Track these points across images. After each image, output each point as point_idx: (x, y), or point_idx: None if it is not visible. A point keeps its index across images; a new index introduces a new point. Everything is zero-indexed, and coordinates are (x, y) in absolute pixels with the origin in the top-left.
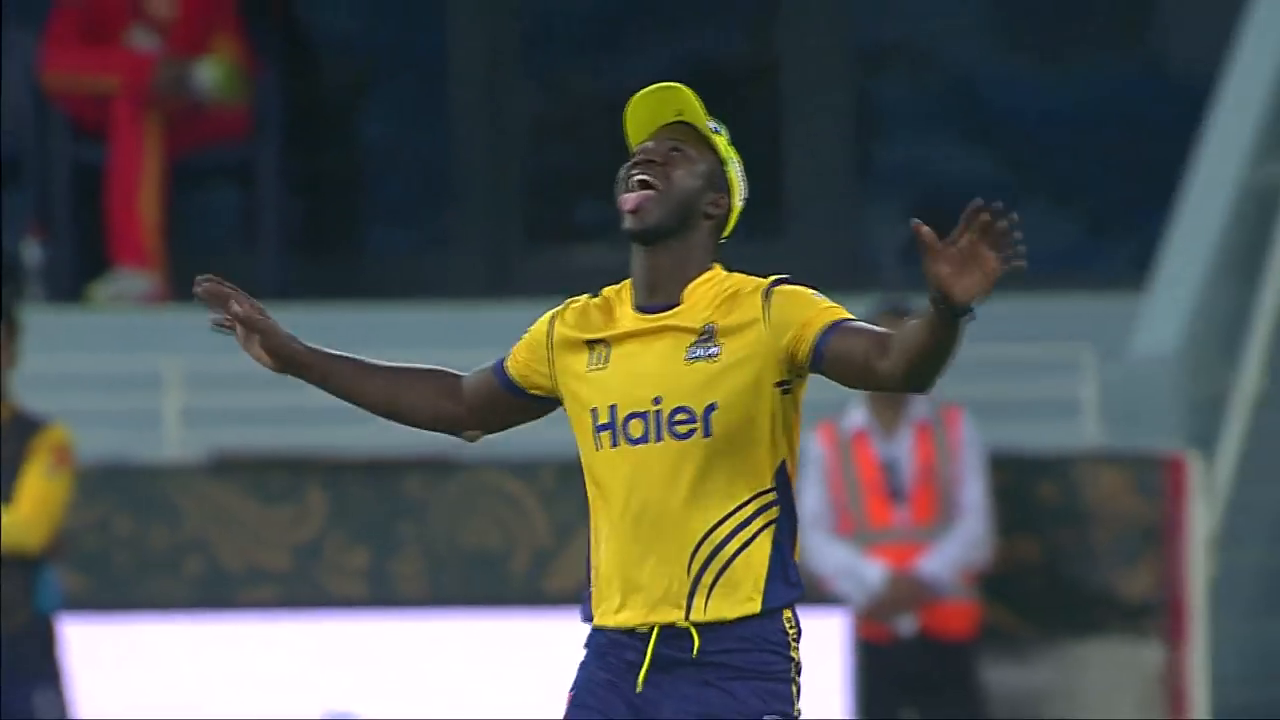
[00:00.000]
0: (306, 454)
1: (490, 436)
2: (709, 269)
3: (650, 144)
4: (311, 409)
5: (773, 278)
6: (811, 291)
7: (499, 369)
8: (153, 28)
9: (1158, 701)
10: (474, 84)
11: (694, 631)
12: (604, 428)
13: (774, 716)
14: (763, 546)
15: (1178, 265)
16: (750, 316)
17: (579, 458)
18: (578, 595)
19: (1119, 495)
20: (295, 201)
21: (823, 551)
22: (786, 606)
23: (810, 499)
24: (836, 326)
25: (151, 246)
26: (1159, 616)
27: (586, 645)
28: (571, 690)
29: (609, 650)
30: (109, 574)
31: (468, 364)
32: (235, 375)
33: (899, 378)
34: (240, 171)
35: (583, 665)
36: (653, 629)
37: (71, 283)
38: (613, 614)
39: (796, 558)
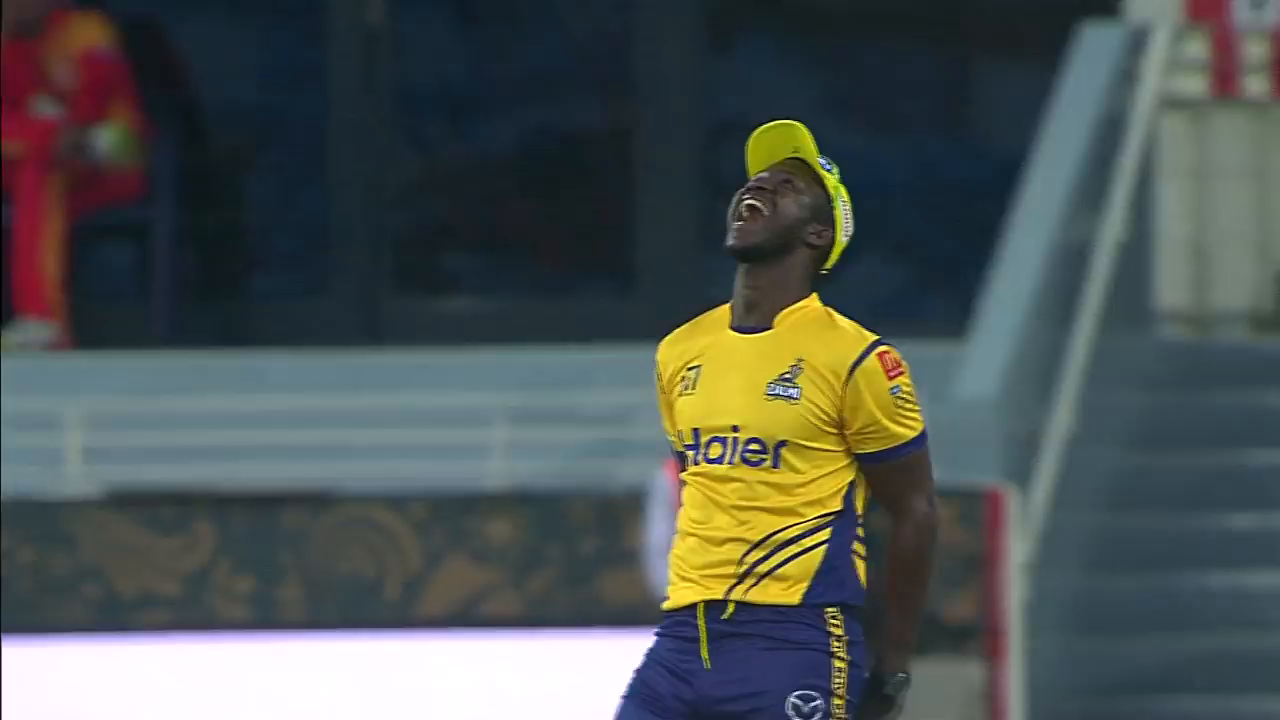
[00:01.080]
0: (195, 488)
1: (365, 471)
2: (806, 297)
3: (765, 174)
4: (200, 447)
5: (871, 340)
6: (890, 385)
7: (680, 456)
8: (55, 97)
9: (979, 716)
10: (350, 145)
11: (731, 605)
12: (691, 448)
13: (803, 693)
14: (813, 558)
15: (997, 315)
16: (835, 373)
17: (447, 491)
18: (447, 619)
19: (944, 526)
20: (186, 255)
21: (666, 578)
22: (830, 605)
23: (657, 530)
24: (891, 456)
25: (54, 298)
26: (979, 637)
27: (657, 631)
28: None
29: (670, 630)
30: (14, 599)
31: (343, 407)
32: (131, 416)
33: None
34: (136, 229)
35: (651, 647)
36: (699, 605)
37: None
38: (677, 597)
39: (862, 582)
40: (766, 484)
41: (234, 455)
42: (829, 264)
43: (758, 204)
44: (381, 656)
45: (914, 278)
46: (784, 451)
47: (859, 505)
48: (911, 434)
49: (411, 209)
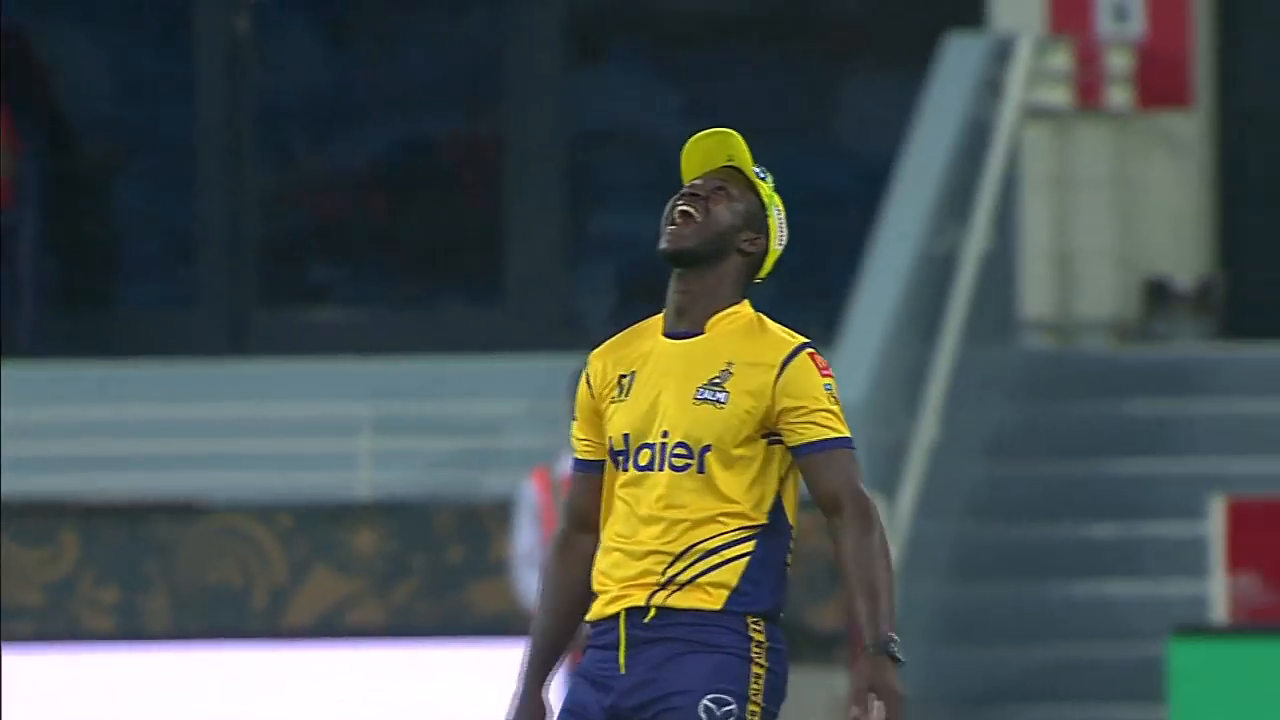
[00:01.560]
0: (61, 499)
1: (231, 481)
2: (737, 303)
3: (698, 180)
4: (65, 458)
5: (801, 341)
6: (822, 382)
7: (580, 465)
8: None
9: None
10: (217, 156)
11: (652, 610)
12: (619, 454)
13: (716, 697)
14: (735, 569)
15: (863, 324)
16: (764, 373)
17: (313, 502)
18: (313, 629)
19: (810, 535)
20: (51, 265)
21: (534, 587)
22: (750, 613)
23: (525, 539)
24: (824, 446)
25: None
26: (846, 646)
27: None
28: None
29: (595, 640)
30: None
31: (209, 417)
32: None
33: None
34: (2, 237)
35: (580, 661)
36: (621, 613)
37: None
38: (599, 609)
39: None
40: (691, 491)
41: (100, 466)
42: (763, 272)
43: (690, 209)
44: (248, 666)
45: (776, 287)
46: (709, 457)
47: (790, 517)
48: (844, 431)
49: (278, 220)
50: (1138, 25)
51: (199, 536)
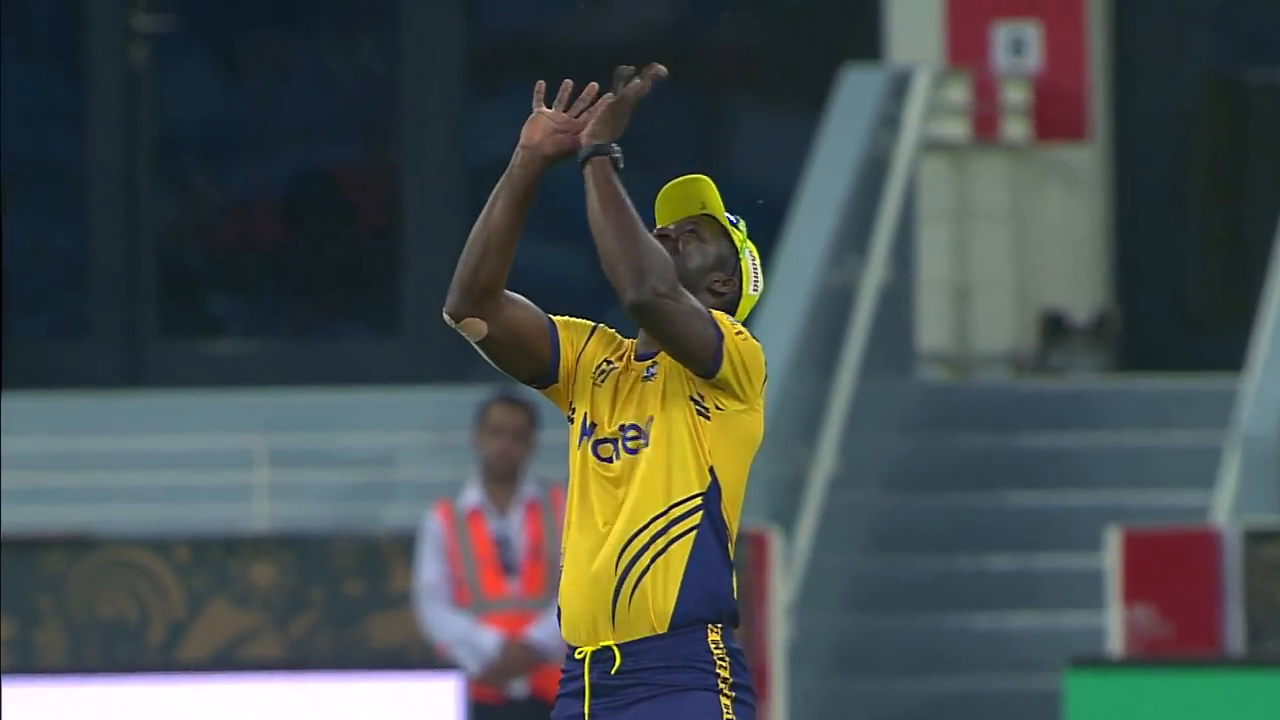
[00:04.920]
0: None
1: (127, 514)
2: None
3: (670, 226)
4: None
5: (726, 318)
6: (729, 323)
7: (548, 318)
8: None
9: None
10: (111, 187)
11: (618, 655)
12: (585, 433)
13: None
14: (680, 554)
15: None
16: None
17: (211, 535)
18: (210, 663)
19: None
20: None
21: (441, 621)
22: (704, 623)
23: (429, 571)
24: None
25: None
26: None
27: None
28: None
29: (563, 685)
30: None
31: (104, 450)
32: None
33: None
34: None
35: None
36: (586, 653)
37: None
38: (567, 635)
39: (733, 590)
40: (637, 469)
41: None
42: (740, 317)
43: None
44: (145, 700)
45: None
46: (652, 429)
47: (725, 513)
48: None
49: (173, 251)
50: (1034, 59)
51: (94, 569)
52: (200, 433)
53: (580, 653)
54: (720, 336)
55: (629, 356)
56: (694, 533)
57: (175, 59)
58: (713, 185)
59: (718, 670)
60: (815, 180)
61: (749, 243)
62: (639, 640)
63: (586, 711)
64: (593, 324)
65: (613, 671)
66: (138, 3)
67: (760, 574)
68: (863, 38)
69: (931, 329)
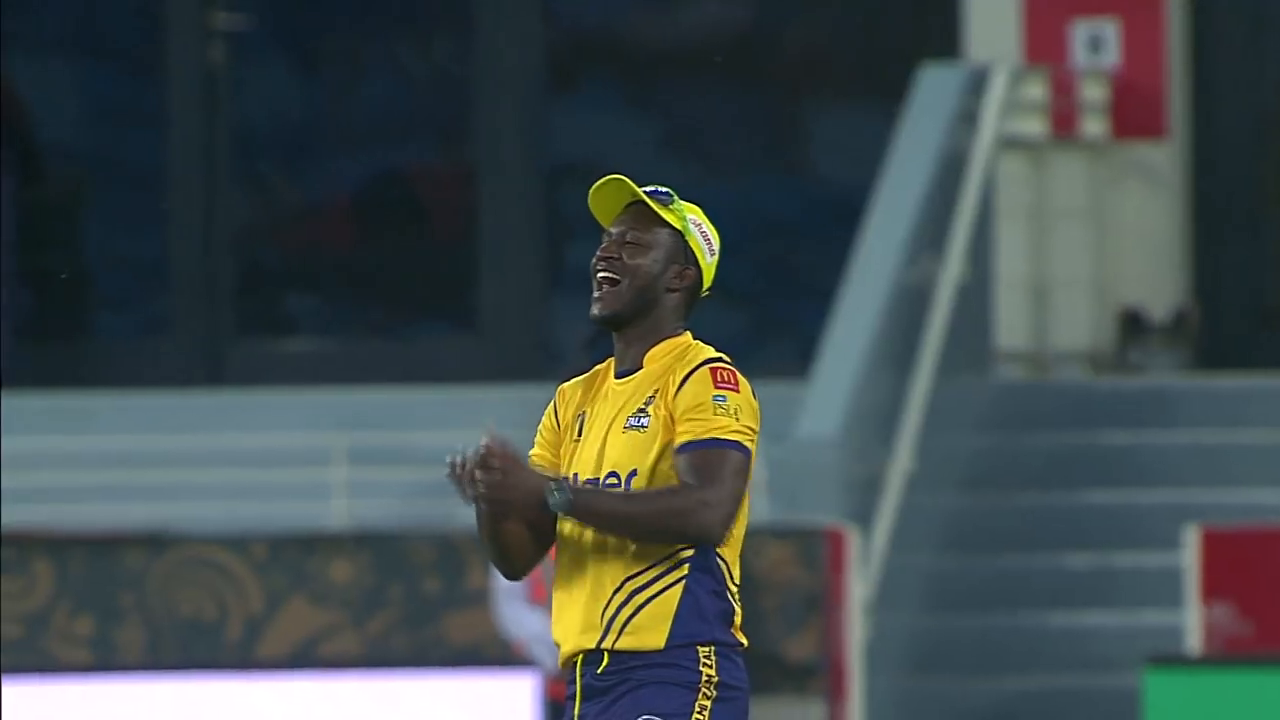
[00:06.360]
0: (33, 530)
1: (205, 511)
2: (677, 335)
3: (609, 240)
4: (39, 488)
5: (708, 356)
6: (714, 393)
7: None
8: None
9: None
10: (190, 187)
11: (606, 656)
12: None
13: (649, 717)
14: (673, 595)
15: (837, 356)
16: (672, 388)
17: (288, 532)
18: (287, 660)
19: (785, 566)
20: (25, 296)
21: (518, 618)
22: (699, 643)
23: None
24: (700, 445)
25: None
26: (821, 676)
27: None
28: None
29: (567, 690)
30: None
31: (183, 448)
32: None
33: None
34: None
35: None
36: (578, 658)
37: None
38: (561, 653)
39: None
40: None
41: (73, 496)
42: (706, 286)
43: (609, 274)
44: (222, 698)
45: (751, 320)
46: (634, 482)
47: (722, 552)
48: (724, 434)
49: (252, 250)
50: (1113, 56)
51: (173, 567)
52: (278, 431)
53: (572, 658)
54: (743, 449)
55: (602, 380)
56: (682, 583)
57: (252, 59)
58: (628, 182)
59: (701, 668)
60: (892, 178)
61: (689, 211)
62: (625, 652)
63: (577, 713)
64: (550, 411)
65: (599, 670)
66: (216, 2)
67: (837, 573)
68: (941, 35)
69: (1009, 327)
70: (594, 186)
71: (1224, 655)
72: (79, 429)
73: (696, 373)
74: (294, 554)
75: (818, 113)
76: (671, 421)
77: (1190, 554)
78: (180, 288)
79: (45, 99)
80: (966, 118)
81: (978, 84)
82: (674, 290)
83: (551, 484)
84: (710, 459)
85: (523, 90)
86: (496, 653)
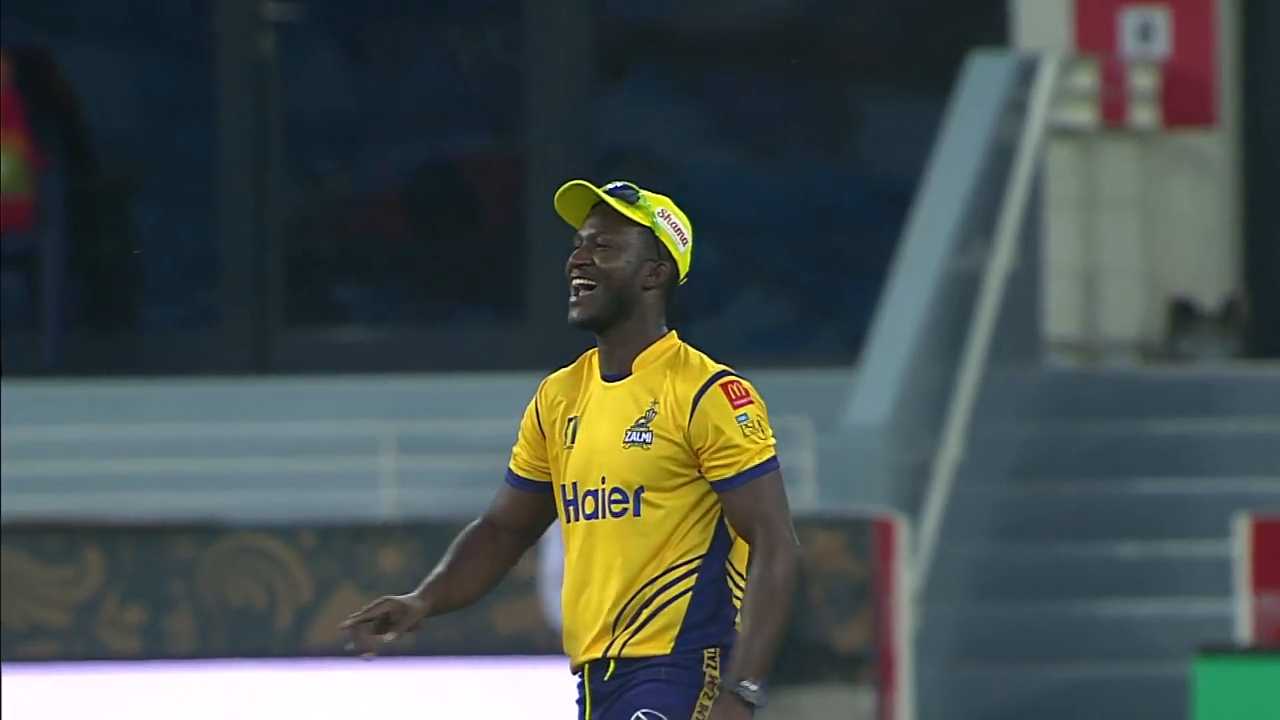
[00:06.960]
0: (83, 518)
1: (254, 500)
2: (663, 336)
3: (580, 244)
4: (89, 477)
5: (714, 372)
6: (735, 414)
7: (511, 478)
8: None
9: None
10: (239, 177)
11: (612, 664)
12: (569, 503)
13: (648, 712)
14: (679, 606)
15: (886, 344)
16: (681, 408)
17: (337, 521)
18: (337, 649)
19: (833, 555)
20: (75, 285)
21: None
22: (705, 647)
23: (554, 557)
24: (732, 483)
25: None
26: (870, 665)
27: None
28: None
29: (576, 697)
30: None
31: (232, 437)
32: (20, 445)
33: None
34: (25, 258)
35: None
36: (584, 666)
37: None
38: (571, 660)
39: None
40: (630, 533)
41: (123, 485)
42: (682, 274)
43: (584, 280)
44: (272, 686)
45: (799, 309)
46: (643, 498)
47: (732, 550)
48: (759, 459)
49: (301, 240)
50: (1163, 44)
51: (223, 556)
52: (327, 419)
53: (579, 665)
54: (776, 461)
55: (587, 379)
56: (690, 594)
57: (302, 48)
58: (590, 186)
59: (705, 669)
60: (942, 167)
61: (657, 203)
62: (631, 659)
63: (588, 719)
64: (531, 410)
65: (606, 677)
66: None
67: (886, 562)
68: (990, 24)
69: (1059, 316)
70: (558, 193)
71: (1274, 645)
72: (129, 418)
73: (708, 393)
74: (343, 543)
75: (868, 101)
76: (688, 443)
77: (1240, 543)
78: (230, 277)
79: (96, 89)
80: (1016, 107)
81: (1027, 73)
82: (650, 288)
83: (750, 692)
84: (759, 494)
85: (572, 79)
86: (545, 641)
